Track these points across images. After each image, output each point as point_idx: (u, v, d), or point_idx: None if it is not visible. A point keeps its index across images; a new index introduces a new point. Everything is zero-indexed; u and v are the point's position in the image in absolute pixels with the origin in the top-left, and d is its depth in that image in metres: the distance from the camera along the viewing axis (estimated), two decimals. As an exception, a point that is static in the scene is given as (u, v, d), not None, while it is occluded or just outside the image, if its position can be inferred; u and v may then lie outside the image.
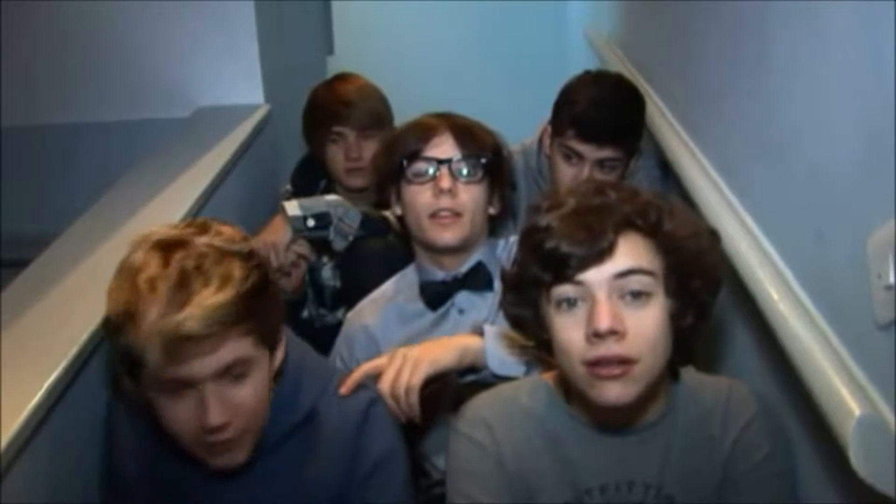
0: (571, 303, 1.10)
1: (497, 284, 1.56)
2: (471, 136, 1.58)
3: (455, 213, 1.55)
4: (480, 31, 4.44)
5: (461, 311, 1.59)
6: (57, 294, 1.44)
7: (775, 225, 1.37)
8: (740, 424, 1.20)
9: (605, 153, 1.87)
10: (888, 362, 0.99)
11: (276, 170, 2.43)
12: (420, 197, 1.56)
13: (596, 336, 1.07)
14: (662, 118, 2.04)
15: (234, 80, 2.43)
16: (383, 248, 1.76)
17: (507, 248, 1.62)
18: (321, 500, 1.27)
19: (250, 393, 1.16)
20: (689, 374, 1.24)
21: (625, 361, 1.08)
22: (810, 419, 1.20)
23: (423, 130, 1.58)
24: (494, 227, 1.69)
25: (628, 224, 1.10)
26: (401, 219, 1.67)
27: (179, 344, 1.07)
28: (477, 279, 1.59)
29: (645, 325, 1.09)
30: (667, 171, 2.05)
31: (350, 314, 1.71)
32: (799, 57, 1.26)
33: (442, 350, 1.36)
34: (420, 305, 1.62)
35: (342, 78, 2.26)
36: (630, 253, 1.09)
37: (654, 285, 1.10)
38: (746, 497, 1.19)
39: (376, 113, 2.16)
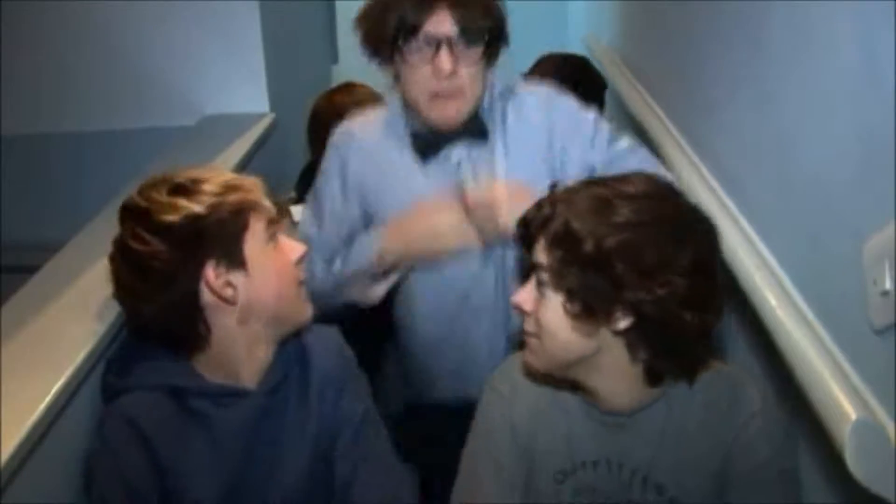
0: None
1: (491, 136, 1.53)
2: (469, 5, 1.45)
3: (456, 90, 1.46)
4: (482, 40, 4.44)
5: (458, 164, 1.54)
6: (62, 302, 1.44)
7: (773, 231, 1.38)
8: (742, 419, 1.18)
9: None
10: (884, 367, 1.00)
11: (280, 177, 2.45)
12: (419, 77, 1.46)
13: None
14: (661, 125, 2.05)
15: (239, 88, 2.44)
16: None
17: (500, 95, 1.58)
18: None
19: None
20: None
21: None
22: (807, 423, 1.21)
23: (420, 2, 1.43)
24: None
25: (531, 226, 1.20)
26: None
27: None
28: (469, 131, 1.53)
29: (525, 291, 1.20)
30: None
31: (339, 132, 1.62)
32: (795, 65, 1.27)
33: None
34: (409, 157, 1.56)
35: (356, 85, 2.24)
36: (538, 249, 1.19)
37: (541, 274, 1.16)
38: (750, 498, 1.18)
39: None
